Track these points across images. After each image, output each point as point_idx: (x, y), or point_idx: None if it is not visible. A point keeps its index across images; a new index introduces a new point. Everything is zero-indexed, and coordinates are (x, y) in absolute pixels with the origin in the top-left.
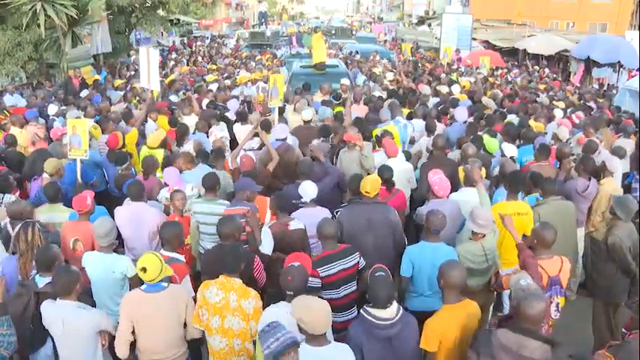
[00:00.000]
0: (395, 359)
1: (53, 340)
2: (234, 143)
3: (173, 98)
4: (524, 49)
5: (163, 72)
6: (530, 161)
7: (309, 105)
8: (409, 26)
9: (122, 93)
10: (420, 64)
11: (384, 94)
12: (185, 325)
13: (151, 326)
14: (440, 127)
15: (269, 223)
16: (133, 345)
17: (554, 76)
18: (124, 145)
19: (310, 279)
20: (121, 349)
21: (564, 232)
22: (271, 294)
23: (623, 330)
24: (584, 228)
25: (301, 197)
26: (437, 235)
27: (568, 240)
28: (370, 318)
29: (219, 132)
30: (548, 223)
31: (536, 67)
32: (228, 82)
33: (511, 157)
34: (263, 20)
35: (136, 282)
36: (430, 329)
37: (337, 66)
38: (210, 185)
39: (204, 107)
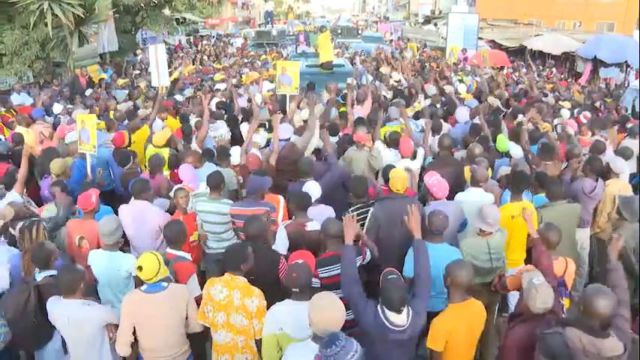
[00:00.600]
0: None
1: (62, 336)
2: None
3: (178, 97)
4: (531, 49)
5: (169, 70)
6: None
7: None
8: (415, 26)
9: (127, 92)
10: (427, 64)
11: (390, 94)
12: (187, 320)
13: (152, 327)
14: (445, 127)
15: (285, 222)
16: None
17: (562, 75)
18: (130, 143)
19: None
20: (122, 348)
21: (565, 235)
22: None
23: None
24: (590, 229)
25: None
26: (439, 235)
27: (568, 242)
28: (384, 321)
29: (212, 131)
30: (552, 224)
31: (541, 67)
32: (234, 80)
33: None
34: (269, 19)
35: (140, 280)
36: (436, 329)
37: (343, 65)
38: (216, 184)
39: (213, 107)
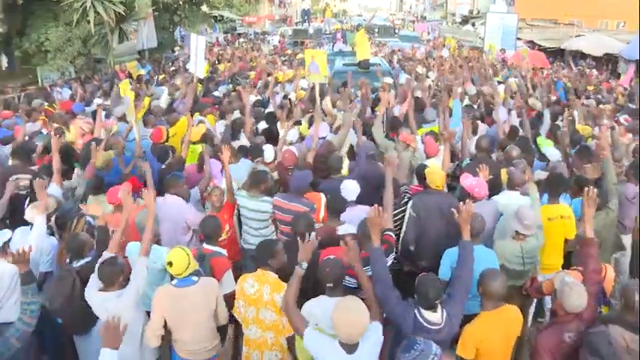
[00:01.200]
0: None
1: None
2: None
3: (217, 94)
4: (571, 50)
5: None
6: None
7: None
8: (453, 25)
9: (165, 88)
10: (467, 63)
11: (426, 94)
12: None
13: (183, 321)
14: (482, 128)
15: (319, 223)
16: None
17: (605, 77)
18: (168, 138)
19: (347, 278)
20: (152, 340)
21: (604, 240)
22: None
23: None
24: (632, 235)
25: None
26: (476, 237)
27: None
28: (421, 320)
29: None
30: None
31: (581, 68)
32: (270, 78)
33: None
34: (306, 17)
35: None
36: (468, 336)
37: (380, 64)
38: (257, 183)
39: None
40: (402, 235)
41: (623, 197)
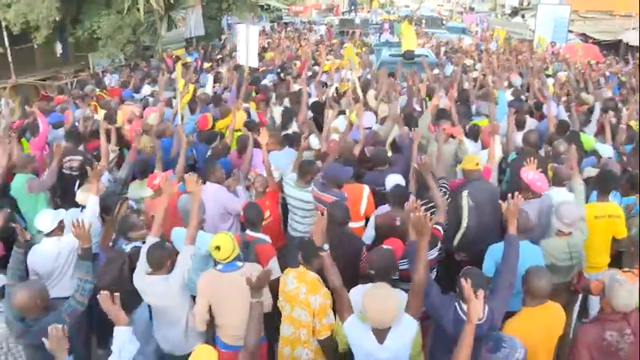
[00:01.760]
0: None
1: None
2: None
3: (265, 82)
4: (627, 43)
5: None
6: None
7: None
8: (502, 17)
9: (211, 75)
10: (515, 55)
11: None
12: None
13: (228, 305)
14: (531, 123)
15: (377, 211)
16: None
17: None
18: (214, 126)
19: None
20: (199, 325)
21: None
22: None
23: None
24: None
25: (382, 185)
26: (522, 233)
27: None
28: (461, 313)
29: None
30: None
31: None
32: (317, 68)
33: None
34: (353, 7)
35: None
36: (509, 331)
37: (427, 55)
38: (305, 173)
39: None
40: (464, 224)
41: None
